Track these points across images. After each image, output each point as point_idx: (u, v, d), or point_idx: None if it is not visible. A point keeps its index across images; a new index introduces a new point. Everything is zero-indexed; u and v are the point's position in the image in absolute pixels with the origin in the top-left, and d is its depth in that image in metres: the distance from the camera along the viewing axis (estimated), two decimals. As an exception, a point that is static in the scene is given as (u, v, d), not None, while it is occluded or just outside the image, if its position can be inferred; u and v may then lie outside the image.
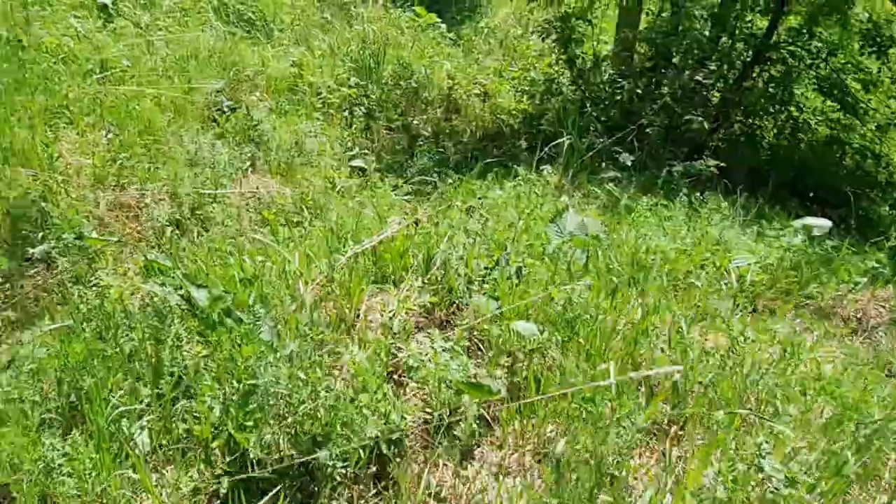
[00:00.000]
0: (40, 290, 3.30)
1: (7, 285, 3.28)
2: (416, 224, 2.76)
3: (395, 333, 2.17)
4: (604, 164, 5.67)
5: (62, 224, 3.46)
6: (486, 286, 2.41)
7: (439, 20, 10.23)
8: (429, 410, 1.96)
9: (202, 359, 2.07)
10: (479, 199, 3.15)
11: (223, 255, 3.48)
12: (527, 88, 8.64)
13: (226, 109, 5.37)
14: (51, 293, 3.32)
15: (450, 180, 5.55)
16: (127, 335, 2.70)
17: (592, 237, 2.66)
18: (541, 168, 5.08)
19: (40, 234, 3.46)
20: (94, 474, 1.77)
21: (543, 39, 7.39)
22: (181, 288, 2.70)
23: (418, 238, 2.68)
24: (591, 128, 6.23)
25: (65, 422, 2.15)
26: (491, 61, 10.22)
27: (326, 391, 1.76)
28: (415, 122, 7.17)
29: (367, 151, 6.27)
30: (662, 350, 2.35)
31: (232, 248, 3.59)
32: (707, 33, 5.73)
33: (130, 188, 4.18)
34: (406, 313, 2.27)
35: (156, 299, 3.01)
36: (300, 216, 4.64)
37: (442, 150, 6.90)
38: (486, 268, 2.48)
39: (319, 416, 1.73)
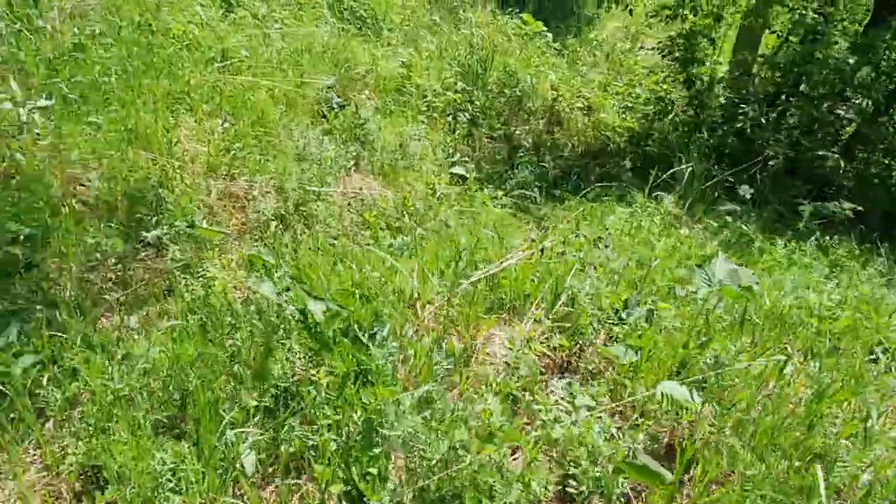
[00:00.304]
0: (150, 274, 3.31)
1: (119, 266, 3.29)
2: (542, 252, 2.56)
3: (521, 376, 1.98)
4: (719, 195, 5.30)
5: (175, 211, 3.47)
6: (616, 329, 2.19)
7: (545, 29, 10.01)
8: (572, 484, 1.76)
9: (320, 385, 1.94)
10: (607, 230, 2.92)
11: (329, 258, 3.40)
12: (631, 104, 8.30)
13: (335, 106, 5.34)
14: (159, 278, 3.33)
15: (556, 201, 5.33)
16: (230, 333, 2.64)
17: (745, 289, 2.34)
18: (655, 194, 4.78)
19: (154, 219, 3.48)
20: (200, 492, 1.67)
21: (664, 56, 7.03)
22: (288, 290, 2.62)
23: (542, 267, 2.49)
24: (705, 154, 5.86)
25: (172, 425, 2.08)
26: (595, 74, 9.92)
27: (463, 448, 1.59)
28: (517, 132, 6.98)
29: (467, 159, 6.13)
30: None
31: (339, 252, 3.50)
32: (850, 62, 5.26)
33: (240, 179, 4.17)
34: (530, 351, 2.09)
35: (257, 295, 2.95)
36: (401, 221, 4.53)
37: (542, 163, 6.69)
38: (616, 309, 2.26)
39: (455, 475, 1.56)
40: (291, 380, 2.05)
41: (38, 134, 3.70)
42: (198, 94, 4.50)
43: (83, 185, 3.61)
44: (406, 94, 6.23)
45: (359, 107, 5.34)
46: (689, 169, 4.76)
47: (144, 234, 3.34)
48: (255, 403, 2.01)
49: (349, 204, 4.59)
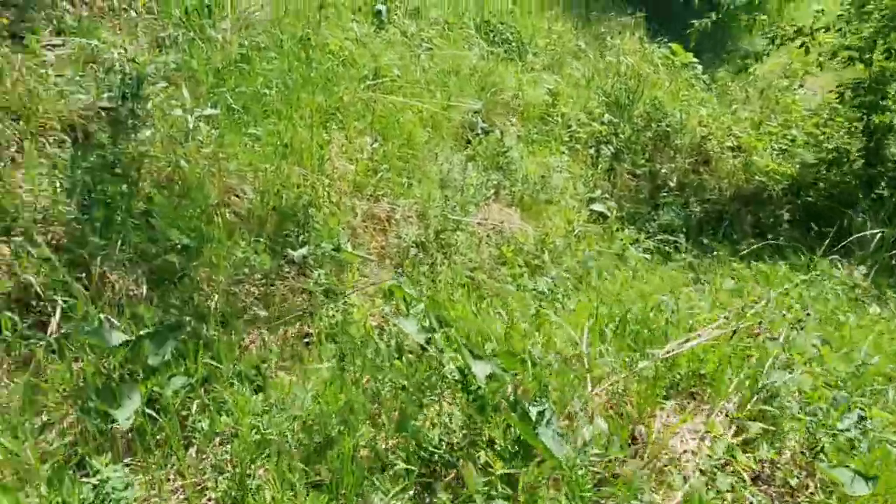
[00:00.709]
0: (292, 294, 3.27)
1: (263, 282, 3.27)
2: (734, 333, 2.24)
3: (719, 491, 1.68)
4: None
5: (322, 231, 3.42)
6: (823, 440, 1.82)
7: (696, 61, 9.47)
8: None
9: (494, 476, 1.71)
10: (807, 312, 2.53)
11: (470, 296, 3.23)
12: (786, 147, 7.63)
13: (479, 131, 5.21)
14: (300, 297, 3.28)
15: (703, 250, 4.91)
16: (371, 371, 2.51)
17: None
18: (831, 258, 4.25)
19: (301, 237, 3.45)
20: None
21: (841, 101, 6.39)
22: (432, 330, 2.45)
23: (732, 347, 2.16)
24: (884, 214, 5.19)
25: (309, 471, 1.95)
26: (746, 112, 9.25)
27: None
28: (662, 169, 6.55)
29: (607, 196, 5.80)
30: None
31: (478, 289, 3.32)
32: None
33: (383, 200, 4.11)
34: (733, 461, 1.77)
35: (395, 327, 2.82)
36: (540, 259, 4.30)
37: (688, 205, 6.24)
38: (821, 409, 1.90)
39: None
40: (448, 449, 1.87)
41: (201, 141, 3.80)
42: (350, 111, 4.49)
43: (237, 196, 3.66)
44: (550, 122, 6.00)
45: (504, 134, 5.18)
46: (879, 234, 4.20)
47: (290, 251, 3.31)
48: (401, 467, 1.84)
49: (488, 235, 4.42)
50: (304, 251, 3.28)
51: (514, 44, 7.91)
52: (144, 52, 4.48)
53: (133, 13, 5.21)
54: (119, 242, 2.84)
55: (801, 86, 10.94)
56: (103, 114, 3.89)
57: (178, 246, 2.99)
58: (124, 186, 3.16)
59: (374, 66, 5.17)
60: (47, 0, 4.89)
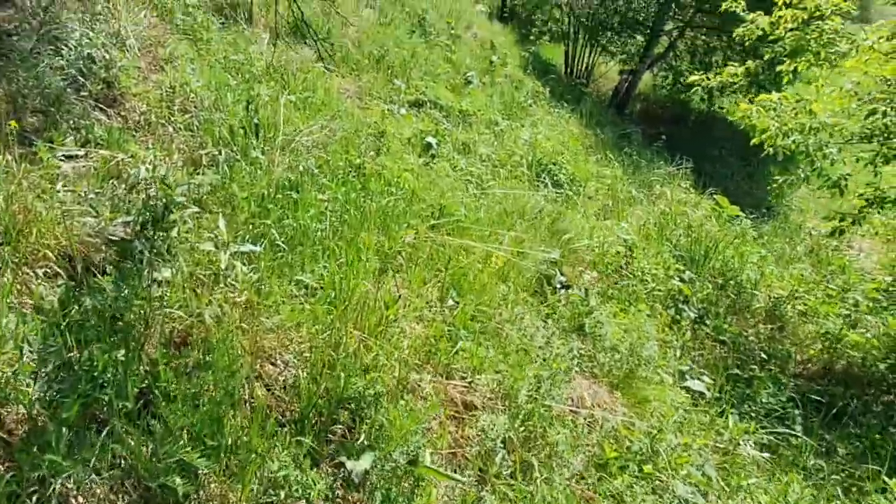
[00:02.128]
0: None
1: None
2: None
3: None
4: None
5: (391, 430, 2.37)
6: None
7: (742, 214, 8.79)
8: None
9: None
10: None
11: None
12: (851, 311, 6.70)
13: (558, 285, 4.28)
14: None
15: (829, 447, 3.84)
16: None
17: None
18: None
19: (358, 437, 2.39)
20: None
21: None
22: None
23: None
24: None
25: None
26: (802, 271, 8.41)
27: None
28: (749, 336, 5.57)
29: (693, 365, 4.79)
30: None
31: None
32: None
33: (456, 376, 3.08)
34: None
35: None
36: (653, 463, 3.19)
37: (777, 380, 5.19)
38: None
39: None
40: None
41: (234, 285, 2.86)
42: (416, 255, 3.59)
43: (273, 365, 2.65)
44: (626, 276, 5.10)
45: (587, 292, 4.24)
46: None
47: (345, 462, 2.24)
48: None
49: (574, 422, 3.35)
50: (366, 463, 2.21)
51: (565, 186, 7.24)
52: (178, 170, 3.67)
53: (171, 128, 4.48)
54: (94, 455, 1.79)
55: (850, 246, 10.27)
56: (114, 243, 2.99)
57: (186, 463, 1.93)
58: (121, 352, 2.15)
59: (440, 202, 4.34)
60: (77, 108, 4.16)
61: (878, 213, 5.73)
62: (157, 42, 5.28)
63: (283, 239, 3.20)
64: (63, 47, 4.32)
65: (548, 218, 5.16)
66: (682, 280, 5.39)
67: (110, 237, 2.99)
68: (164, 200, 3.05)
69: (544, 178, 7.14)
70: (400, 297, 3.00)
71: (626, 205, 7.54)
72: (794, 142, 5.45)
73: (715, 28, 14.33)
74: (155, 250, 2.81)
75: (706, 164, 11.61)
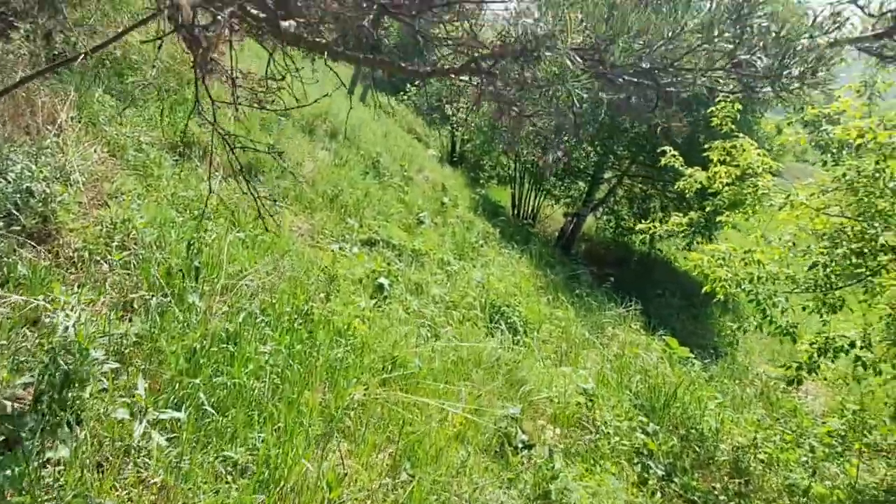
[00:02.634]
0: None
1: None
2: None
3: None
4: None
5: None
6: None
7: (692, 355, 8.70)
8: None
9: None
10: None
11: None
12: (809, 458, 6.48)
13: (520, 445, 3.88)
14: None
15: None
16: None
17: None
18: None
19: None
20: None
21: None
22: None
23: None
24: None
25: None
26: (755, 415, 8.23)
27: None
28: (712, 494, 5.19)
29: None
30: None
31: None
32: None
33: (410, 568, 2.59)
34: None
35: None
36: None
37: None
38: None
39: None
40: None
41: (147, 462, 2.38)
42: (363, 416, 3.18)
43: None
44: (588, 428, 4.75)
45: (552, 452, 3.85)
46: None
47: None
48: None
49: None
50: None
51: (520, 329, 7.04)
52: (104, 317, 3.25)
53: (106, 266, 4.11)
54: None
55: (797, 388, 10.26)
56: (8, 410, 2.50)
57: None
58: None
59: (392, 353, 4.00)
60: (2, 245, 3.78)
61: (831, 360, 5.68)
62: (105, 177, 5.03)
63: (213, 401, 2.77)
64: (1, 181, 4.03)
65: (505, 367, 4.86)
66: (645, 433, 5.07)
67: (5, 400, 2.51)
68: (77, 356, 2.63)
69: (498, 321, 6.92)
70: (346, 474, 2.56)
71: (580, 348, 7.34)
72: (744, 290, 5.45)
73: (650, 178, 15.22)
74: (56, 419, 2.35)
75: (651, 304, 11.74)
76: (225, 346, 3.20)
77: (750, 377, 9.82)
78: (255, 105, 2.79)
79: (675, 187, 6.67)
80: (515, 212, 16.13)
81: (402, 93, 24.38)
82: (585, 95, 1.92)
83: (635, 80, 1.96)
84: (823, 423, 7.80)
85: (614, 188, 15.56)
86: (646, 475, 4.69)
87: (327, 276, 4.65)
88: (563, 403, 4.75)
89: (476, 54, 2.06)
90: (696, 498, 4.89)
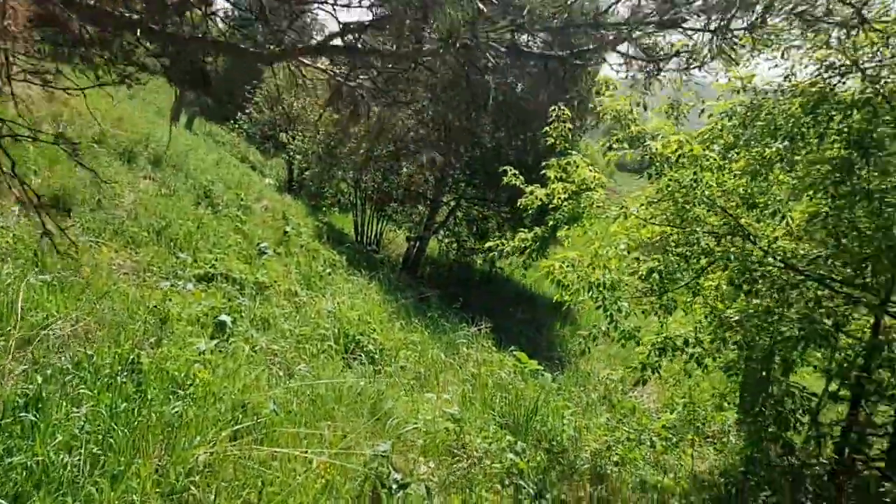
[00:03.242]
0: None
1: None
2: None
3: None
4: None
5: None
6: None
7: (542, 368, 8.93)
8: None
9: None
10: None
11: None
12: (649, 454, 6.89)
13: (393, 486, 3.51)
14: None
15: None
16: None
17: None
18: None
19: None
20: None
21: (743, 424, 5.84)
22: None
23: None
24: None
25: None
26: (601, 418, 8.61)
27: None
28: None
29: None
30: None
31: None
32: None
33: None
34: None
35: None
36: None
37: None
38: None
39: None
40: None
41: None
42: (216, 481, 2.64)
43: None
44: (458, 456, 4.51)
45: (429, 490, 3.52)
46: None
47: None
48: None
49: None
50: None
51: (377, 357, 6.68)
52: None
53: None
54: None
55: (637, 384, 10.94)
56: None
57: None
58: None
59: (242, 399, 3.45)
60: None
61: (670, 359, 6.01)
62: None
63: (5, 490, 2.10)
64: None
65: (369, 400, 4.47)
66: (515, 452, 4.94)
67: None
68: None
69: (355, 351, 6.51)
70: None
71: (438, 371, 7.14)
72: (592, 297, 5.60)
73: (485, 199, 15.70)
74: None
75: (496, 320, 11.97)
76: (23, 414, 2.49)
77: (593, 383, 10.30)
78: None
79: (518, 205, 6.77)
80: (359, 238, 15.78)
81: (232, 121, 23.04)
82: (504, 49, 1.68)
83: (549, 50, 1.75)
84: (659, 418, 8.33)
85: (453, 210, 15.83)
86: (519, 496, 4.54)
87: (157, 318, 3.97)
88: (433, 432, 4.47)
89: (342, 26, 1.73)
90: (565, 511, 4.85)
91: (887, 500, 5.03)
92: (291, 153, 17.08)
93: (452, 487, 4.04)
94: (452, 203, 15.95)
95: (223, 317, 5.71)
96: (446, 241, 16.42)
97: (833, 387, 5.94)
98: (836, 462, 5.58)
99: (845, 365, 5.95)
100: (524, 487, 4.60)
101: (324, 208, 15.79)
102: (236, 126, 22.24)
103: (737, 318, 5.26)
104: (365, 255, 13.58)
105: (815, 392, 5.95)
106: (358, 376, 5.04)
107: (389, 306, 9.55)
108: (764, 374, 6.56)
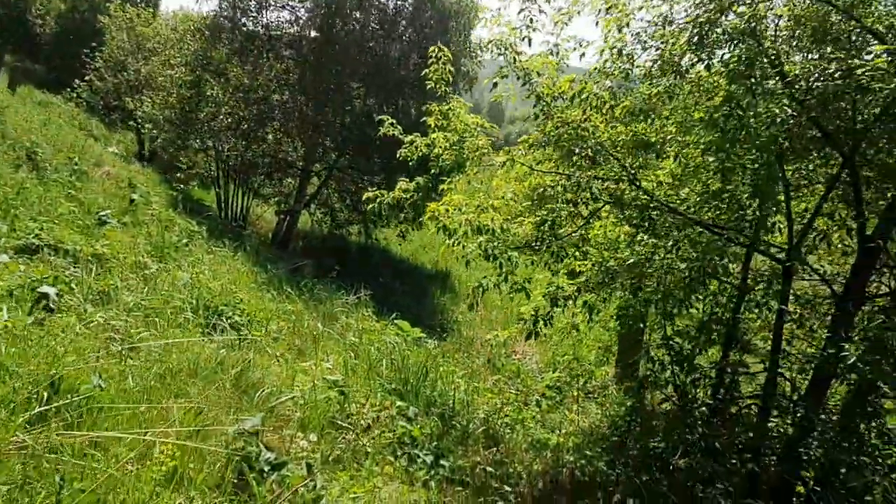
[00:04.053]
0: None
1: None
2: None
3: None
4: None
5: None
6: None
7: (424, 335, 8.49)
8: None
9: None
10: None
11: None
12: (535, 414, 6.71)
13: (265, 467, 2.78)
14: None
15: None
16: None
17: None
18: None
19: None
20: None
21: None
22: None
23: None
24: None
25: None
26: (489, 382, 8.34)
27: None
28: (478, 469, 4.75)
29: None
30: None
31: None
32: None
33: None
34: None
35: None
36: None
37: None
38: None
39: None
40: None
41: None
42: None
43: None
44: (345, 427, 3.85)
45: (310, 467, 2.84)
46: None
47: None
48: None
49: None
50: None
51: (245, 328, 5.80)
52: None
53: None
54: None
55: (514, 352, 10.82)
56: None
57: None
58: None
59: (53, 373, 2.55)
60: None
61: (561, 310, 5.71)
62: None
63: None
64: None
65: (233, 370, 3.67)
66: (407, 419, 4.38)
67: None
68: None
69: (220, 323, 5.59)
70: None
71: (316, 341, 6.40)
72: (480, 246, 5.13)
73: (359, 169, 14.83)
74: None
75: (377, 290, 11.34)
76: None
77: (476, 348, 10.02)
78: None
79: (398, 156, 6.15)
80: (223, 214, 14.36)
81: (69, 89, 20.01)
82: None
83: None
84: (542, 378, 8.17)
85: (325, 182, 14.86)
86: (414, 467, 3.98)
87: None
88: (312, 403, 3.77)
89: None
90: (465, 478, 4.37)
91: (768, 429, 5.08)
92: (140, 120, 15.13)
93: (338, 463, 3.38)
94: (325, 174, 14.96)
95: (46, 288, 4.61)
96: (319, 213, 15.42)
97: (706, 333, 5.97)
98: (714, 401, 5.60)
99: (717, 310, 6.00)
100: (419, 457, 4.05)
101: (180, 177, 14.07)
102: (74, 95, 19.40)
103: (632, 261, 5.04)
104: (230, 231, 12.29)
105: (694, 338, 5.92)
106: (220, 346, 4.19)
107: (260, 277, 8.57)
108: (641, 325, 6.49)
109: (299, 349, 5.84)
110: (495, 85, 5.39)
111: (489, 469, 4.61)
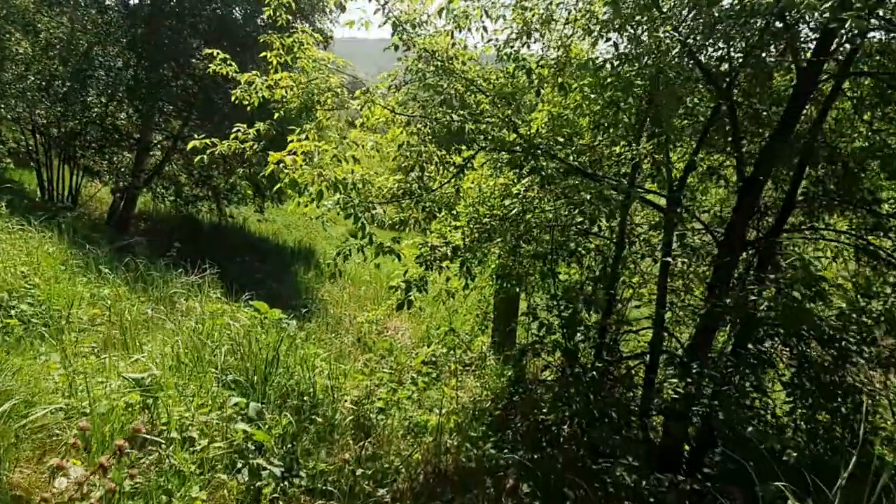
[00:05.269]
0: None
1: None
2: None
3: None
4: None
5: None
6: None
7: (285, 316, 7.36)
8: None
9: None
10: None
11: None
12: (412, 393, 5.97)
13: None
14: None
15: None
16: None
17: None
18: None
19: None
20: None
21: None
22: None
23: None
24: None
25: None
26: (359, 363, 7.42)
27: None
28: (344, 471, 3.83)
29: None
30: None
31: None
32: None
33: None
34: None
35: None
36: None
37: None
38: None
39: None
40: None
41: None
42: None
43: None
44: (154, 443, 2.75)
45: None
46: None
47: None
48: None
49: None
50: None
51: (40, 320, 4.40)
52: None
53: None
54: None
55: (385, 329, 9.95)
56: None
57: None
58: None
59: None
60: None
61: (438, 272, 4.90)
62: None
63: None
64: None
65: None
66: (247, 419, 3.34)
67: None
68: None
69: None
70: None
71: (140, 330, 5.10)
72: (338, 201, 4.16)
73: (206, 140, 13.07)
74: None
75: (231, 272, 9.93)
76: None
77: (345, 326, 9.05)
78: None
79: (234, 100, 4.97)
80: (47, 196, 12.02)
81: None
82: None
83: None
84: (416, 354, 7.41)
85: (168, 154, 12.92)
86: (258, 482, 2.98)
87: None
88: (105, 414, 2.63)
89: None
90: (328, 486, 3.44)
91: (656, 387, 4.68)
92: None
93: (139, 497, 2.31)
94: (168, 144, 12.99)
95: None
96: (162, 189, 13.45)
97: (588, 290, 5.51)
98: (602, 363, 5.14)
99: (595, 266, 5.55)
100: (265, 468, 3.05)
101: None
102: None
103: (515, 210, 4.32)
104: (53, 214, 10.17)
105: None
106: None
107: (74, 260, 6.93)
108: (517, 289, 5.89)
109: (114, 341, 4.55)
110: (342, 7, 4.39)
111: (360, 471, 3.71)
